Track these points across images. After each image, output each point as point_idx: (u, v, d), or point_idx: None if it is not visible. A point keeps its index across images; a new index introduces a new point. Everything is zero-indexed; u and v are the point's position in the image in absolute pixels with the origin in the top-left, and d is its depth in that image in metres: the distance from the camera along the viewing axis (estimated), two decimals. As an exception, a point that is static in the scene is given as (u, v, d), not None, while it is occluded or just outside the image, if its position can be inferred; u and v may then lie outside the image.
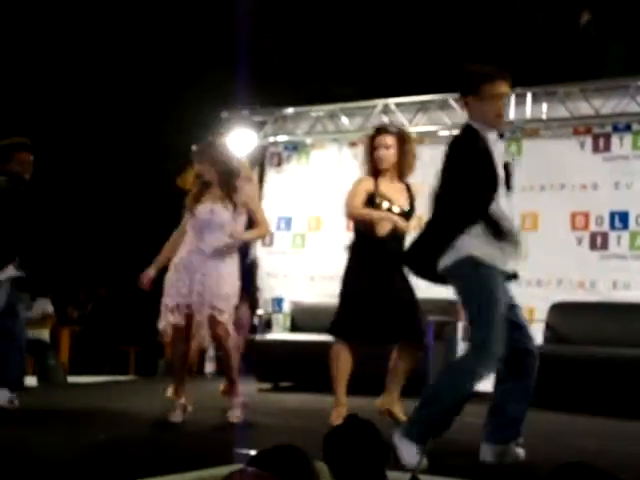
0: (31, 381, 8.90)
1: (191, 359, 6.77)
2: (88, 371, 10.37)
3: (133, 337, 11.44)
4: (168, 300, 5.68)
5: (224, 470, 4.07)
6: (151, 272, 6.01)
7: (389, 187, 5.67)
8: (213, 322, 5.58)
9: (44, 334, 9.88)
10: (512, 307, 4.47)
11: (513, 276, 4.49)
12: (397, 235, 5.54)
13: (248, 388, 7.72)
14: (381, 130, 5.74)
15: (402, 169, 5.66)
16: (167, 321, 5.68)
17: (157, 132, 12.13)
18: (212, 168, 5.78)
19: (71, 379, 9.33)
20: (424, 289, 7.64)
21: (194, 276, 5.62)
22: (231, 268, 5.75)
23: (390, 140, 5.63)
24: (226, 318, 5.60)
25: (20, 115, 11.79)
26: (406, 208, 5.61)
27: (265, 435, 5.02)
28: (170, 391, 5.95)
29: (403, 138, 5.68)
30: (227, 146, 6.15)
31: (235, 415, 5.66)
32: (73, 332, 11.93)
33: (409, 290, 5.61)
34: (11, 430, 5.33)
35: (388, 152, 5.61)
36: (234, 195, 5.72)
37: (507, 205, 4.42)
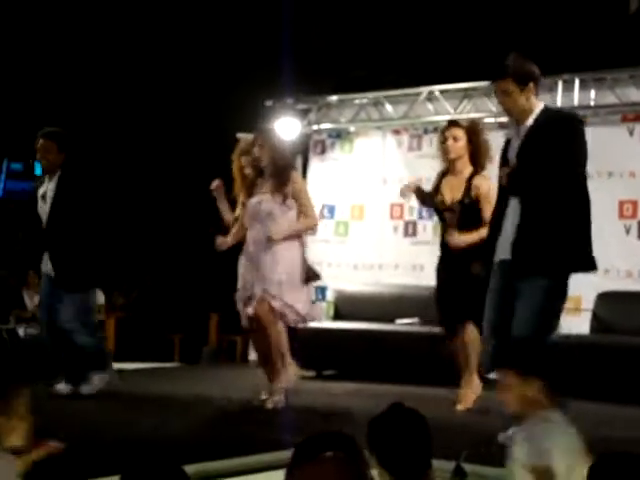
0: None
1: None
2: (133, 358, 10.45)
3: (178, 324, 11.51)
4: (240, 294, 5.91)
5: (268, 457, 4.09)
6: (229, 241, 6.24)
7: (449, 180, 6.03)
8: (262, 305, 5.68)
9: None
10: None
11: None
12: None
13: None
14: (451, 123, 6.12)
15: (476, 159, 5.92)
16: (244, 314, 5.90)
17: (202, 122, 12.17)
18: (270, 155, 5.86)
19: (116, 366, 9.41)
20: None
21: (253, 266, 5.80)
22: (288, 254, 5.83)
23: (458, 132, 5.92)
24: (278, 304, 5.70)
25: (69, 107, 11.90)
26: (455, 201, 5.90)
27: (310, 422, 5.02)
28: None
29: (473, 130, 5.99)
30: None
31: (274, 400, 5.66)
32: (118, 319, 12.04)
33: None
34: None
35: (456, 144, 5.91)
36: (285, 186, 5.82)
37: None
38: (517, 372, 3.21)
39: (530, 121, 4.67)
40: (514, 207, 4.63)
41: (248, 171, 6.13)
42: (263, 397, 5.81)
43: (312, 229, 6.21)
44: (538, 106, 4.71)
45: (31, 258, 6.61)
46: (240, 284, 5.93)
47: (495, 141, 6.67)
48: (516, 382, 3.20)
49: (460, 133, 5.92)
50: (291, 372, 5.85)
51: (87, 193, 6.36)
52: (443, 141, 6.01)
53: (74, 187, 6.29)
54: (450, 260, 6.01)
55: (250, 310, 5.78)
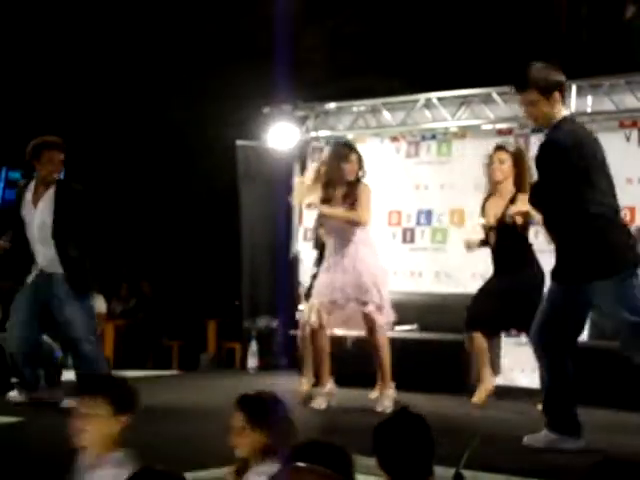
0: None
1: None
2: (131, 365, 10.45)
3: (176, 331, 11.51)
4: (315, 300, 6.24)
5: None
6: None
7: (493, 201, 6.48)
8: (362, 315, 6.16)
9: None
10: None
11: None
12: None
13: (291, 383, 7.74)
14: (498, 147, 6.49)
15: (519, 183, 6.26)
16: (310, 319, 6.23)
17: (200, 128, 12.19)
18: (356, 170, 6.28)
19: (114, 373, 9.39)
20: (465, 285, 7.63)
21: (335, 275, 6.17)
22: (369, 259, 6.23)
23: (504, 155, 6.32)
24: (370, 309, 6.11)
25: (61, 111, 11.92)
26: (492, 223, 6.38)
27: (310, 430, 5.01)
28: (304, 382, 6.81)
29: (518, 155, 6.37)
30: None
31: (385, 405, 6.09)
32: (117, 326, 12.03)
33: None
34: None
35: (502, 166, 6.30)
36: (354, 195, 6.23)
37: None
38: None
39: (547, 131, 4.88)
40: None
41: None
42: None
43: (356, 224, 6.32)
44: (559, 116, 4.80)
45: (20, 266, 6.50)
46: (316, 291, 6.29)
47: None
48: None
49: (506, 156, 6.34)
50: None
51: (87, 200, 6.44)
52: (490, 164, 6.36)
53: (75, 195, 6.38)
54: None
55: (322, 315, 6.14)
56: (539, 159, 4.83)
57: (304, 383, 6.94)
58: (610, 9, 10.76)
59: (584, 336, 7.28)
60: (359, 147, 9.20)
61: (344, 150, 6.42)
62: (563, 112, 4.84)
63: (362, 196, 6.26)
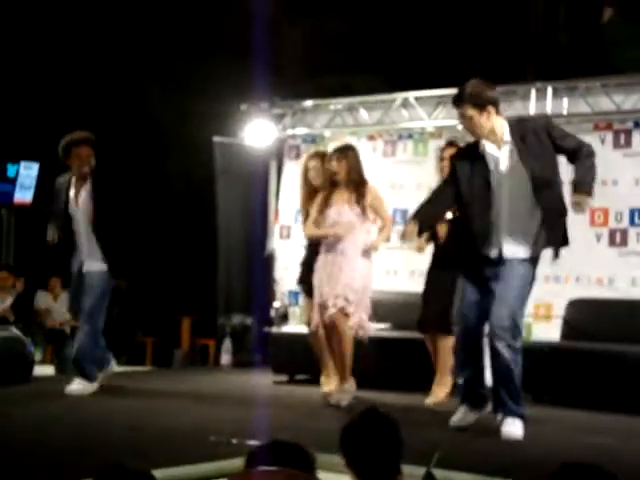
0: (48, 370, 8.94)
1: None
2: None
3: (151, 327, 11.47)
4: (316, 299, 6.26)
5: (238, 462, 4.09)
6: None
7: None
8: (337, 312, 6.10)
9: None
10: None
11: None
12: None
13: (264, 380, 7.75)
14: (449, 143, 6.59)
15: None
16: (315, 319, 6.30)
17: (178, 124, 12.15)
18: (348, 170, 6.32)
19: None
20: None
21: (337, 272, 6.16)
22: (362, 266, 6.24)
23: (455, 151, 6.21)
24: (351, 310, 6.10)
25: (38, 104, 11.85)
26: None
27: (279, 427, 5.02)
28: (324, 381, 6.74)
29: None
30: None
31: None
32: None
33: None
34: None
35: None
36: (363, 198, 6.28)
37: None
38: None
39: (507, 136, 5.18)
40: None
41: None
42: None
43: (389, 238, 6.59)
44: (503, 123, 5.25)
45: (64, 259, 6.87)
46: (316, 291, 6.28)
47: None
48: None
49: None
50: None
51: (120, 191, 6.87)
52: (441, 160, 6.38)
53: (110, 188, 6.75)
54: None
55: (325, 315, 6.15)
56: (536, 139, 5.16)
57: (326, 384, 6.80)
58: (587, 12, 10.83)
59: (557, 336, 7.38)
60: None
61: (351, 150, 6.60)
62: (499, 124, 5.21)
63: (380, 209, 6.43)
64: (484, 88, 5.22)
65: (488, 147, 5.20)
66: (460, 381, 5.49)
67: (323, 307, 6.18)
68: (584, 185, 5.11)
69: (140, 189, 12.46)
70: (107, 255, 6.62)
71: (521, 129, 5.20)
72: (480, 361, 5.31)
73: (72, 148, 6.63)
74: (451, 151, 6.28)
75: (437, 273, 6.51)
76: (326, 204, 6.38)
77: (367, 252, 6.30)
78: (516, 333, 5.01)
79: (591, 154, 5.22)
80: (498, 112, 5.23)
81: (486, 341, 5.19)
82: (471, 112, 5.14)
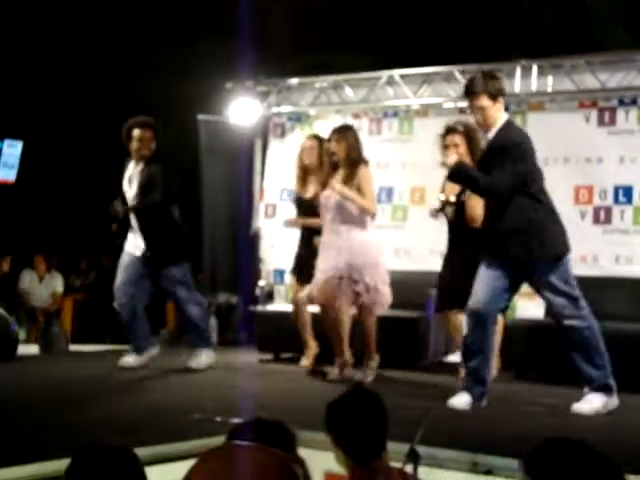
0: (33, 349, 8.93)
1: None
2: (90, 340, 10.39)
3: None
4: (319, 275, 6.36)
5: (214, 441, 4.10)
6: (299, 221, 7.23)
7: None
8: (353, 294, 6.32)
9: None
10: None
11: None
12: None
13: (250, 358, 7.76)
14: (449, 130, 6.42)
15: (474, 159, 6.15)
16: (316, 293, 6.39)
17: (162, 103, 12.09)
18: (348, 151, 6.38)
19: (73, 347, 9.35)
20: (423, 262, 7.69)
21: (335, 252, 6.28)
22: (362, 239, 6.37)
23: (457, 139, 6.27)
24: (360, 289, 6.27)
25: (26, 89, 11.76)
26: (451, 199, 6.35)
27: (265, 406, 5.04)
28: (305, 361, 7.00)
29: (469, 134, 6.31)
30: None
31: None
32: (76, 301, 11.95)
33: None
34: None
35: (458, 150, 6.20)
36: (354, 178, 6.32)
37: None
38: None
39: (492, 133, 5.33)
40: None
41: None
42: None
43: (368, 212, 6.46)
44: (503, 119, 5.36)
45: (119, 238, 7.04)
46: (320, 266, 6.38)
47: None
48: None
49: (459, 139, 6.27)
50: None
51: (161, 176, 6.84)
52: (445, 147, 6.32)
53: (153, 170, 6.82)
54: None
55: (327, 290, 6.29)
56: (496, 153, 5.25)
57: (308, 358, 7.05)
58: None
59: (541, 314, 7.42)
60: (321, 124, 9.30)
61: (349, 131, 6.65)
62: (505, 116, 5.39)
63: (363, 185, 6.36)
64: (496, 79, 5.34)
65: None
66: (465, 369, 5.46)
67: (351, 280, 6.29)
68: (464, 172, 5.43)
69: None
70: (148, 242, 6.81)
71: (502, 138, 5.28)
72: (488, 348, 5.32)
73: (130, 130, 6.83)
74: (454, 139, 6.29)
75: (453, 255, 6.55)
76: (324, 184, 6.50)
77: (363, 224, 6.38)
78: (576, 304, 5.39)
79: (492, 189, 5.31)
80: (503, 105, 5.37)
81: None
82: (486, 103, 5.24)
